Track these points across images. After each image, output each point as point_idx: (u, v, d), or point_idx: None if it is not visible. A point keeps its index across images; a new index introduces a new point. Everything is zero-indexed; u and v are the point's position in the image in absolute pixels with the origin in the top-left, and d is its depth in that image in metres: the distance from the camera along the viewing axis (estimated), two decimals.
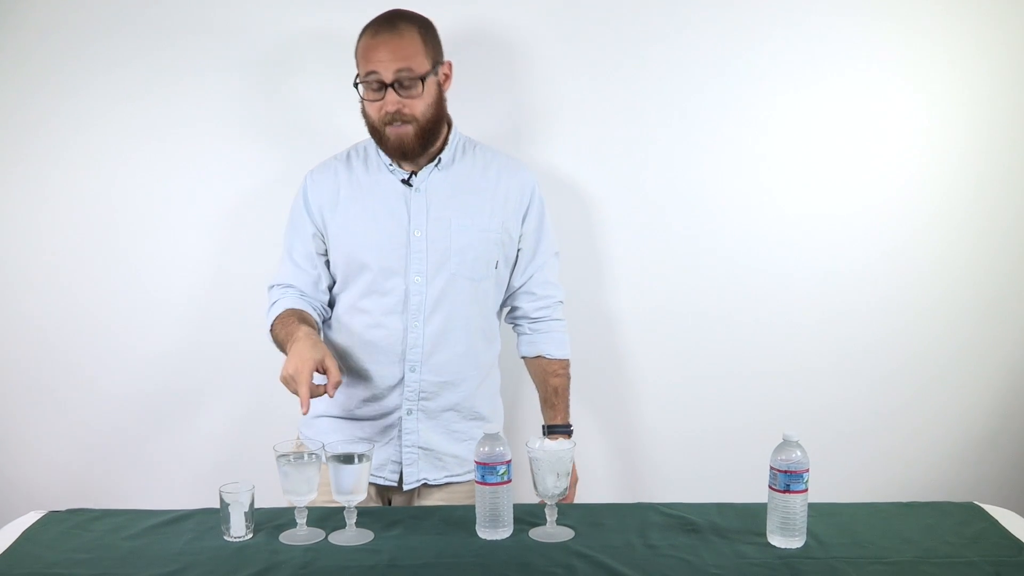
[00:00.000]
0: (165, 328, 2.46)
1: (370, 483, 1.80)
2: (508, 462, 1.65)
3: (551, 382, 2.11)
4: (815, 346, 2.52)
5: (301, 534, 1.68)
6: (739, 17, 2.38)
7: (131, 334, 2.47)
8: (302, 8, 2.33)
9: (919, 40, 2.39)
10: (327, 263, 2.02)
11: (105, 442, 2.52)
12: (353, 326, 2.00)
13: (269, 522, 1.73)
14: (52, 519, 1.78)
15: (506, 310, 2.13)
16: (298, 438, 2.01)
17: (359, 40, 1.91)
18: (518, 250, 2.05)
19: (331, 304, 2.05)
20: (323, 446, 1.69)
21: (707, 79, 2.41)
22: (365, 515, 1.73)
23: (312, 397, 1.72)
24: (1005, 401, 2.58)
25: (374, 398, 1.99)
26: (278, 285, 2.03)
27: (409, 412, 1.98)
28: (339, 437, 1.90)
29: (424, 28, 1.91)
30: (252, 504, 1.68)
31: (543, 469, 1.66)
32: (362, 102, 1.92)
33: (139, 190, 2.42)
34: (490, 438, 1.66)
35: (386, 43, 1.86)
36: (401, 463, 1.99)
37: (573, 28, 2.38)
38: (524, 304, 2.09)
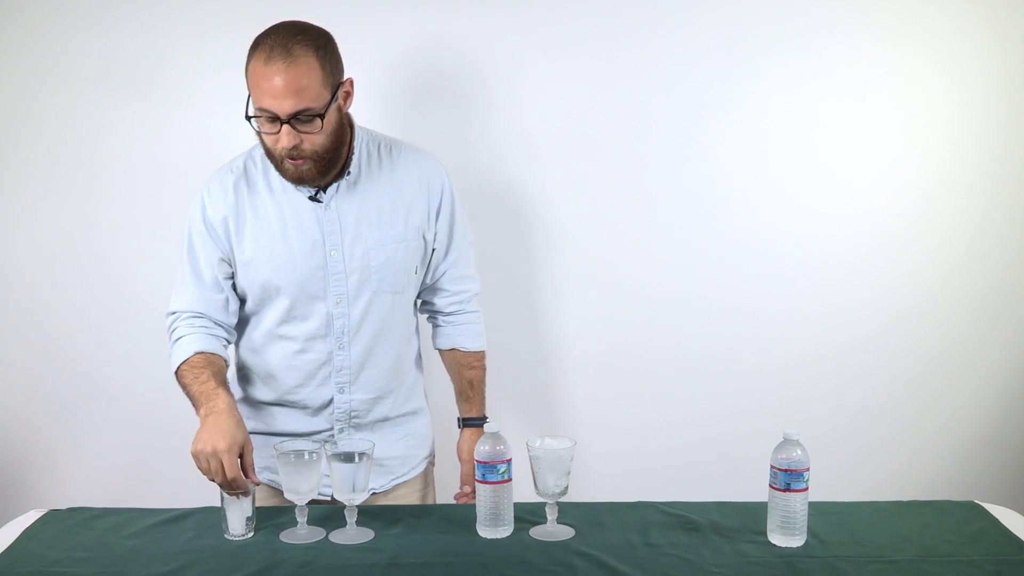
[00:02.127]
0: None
1: (311, 501, 1.71)
2: (508, 461, 1.65)
3: (466, 375, 2.06)
4: (816, 345, 2.52)
5: (301, 533, 1.68)
6: (738, 19, 2.38)
7: (132, 334, 2.47)
8: (303, 7, 2.33)
9: (914, 40, 2.40)
10: (233, 286, 1.89)
11: (108, 441, 2.52)
12: (273, 352, 1.90)
13: (269, 521, 1.73)
14: (53, 517, 1.78)
15: (419, 302, 2.06)
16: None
17: (249, 59, 1.71)
18: (432, 249, 1.96)
19: (242, 323, 1.94)
20: (323, 445, 1.69)
21: (706, 78, 2.41)
22: (366, 514, 1.73)
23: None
24: (1006, 400, 2.58)
25: (304, 418, 1.93)
26: (183, 313, 1.86)
27: (341, 431, 1.93)
28: (270, 452, 1.84)
29: (322, 50, 1.71)
30: (253, 503, 1.68)
31: (543, 468, 1.66)
32: (250, 123, 1.77)
33: (140, 190, 2.42)
34: (491, 437, 1.66)
35: (280, 74, 1.66)
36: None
37: (573, 28, 2.38)
38: (438, 300, 2.03)
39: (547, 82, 2.41)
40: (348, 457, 1.66)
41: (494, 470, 1.64)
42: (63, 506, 1.83)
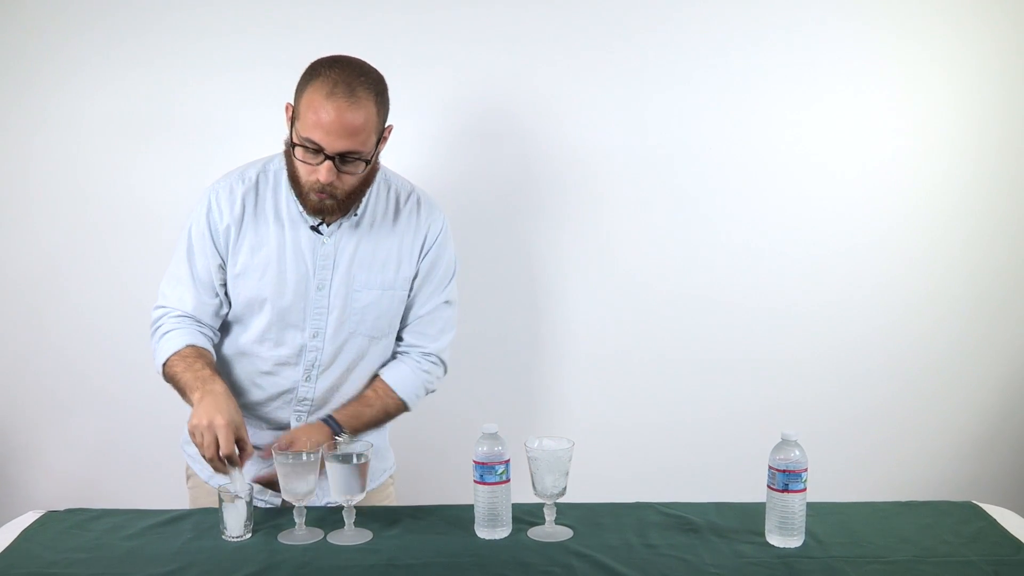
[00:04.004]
0: None
1: (257, 508, 1.71)
2: (507, 462, 1.65)
3: (366, 394, 1.92)
4: (814, 346, 2.52)
5: (300, 534, 1.68)
6: (736, 20, 2.39)
7: (130, 335, 2.46)
8: (303, 9, 2.34)
9: (912, 40, 2.41)
10: (226, 292, 1.87)
11: (105, 442, 2.52)
12: (244, 366, 1.89)
13: (267, 522, 1.73)
14: (51, 519, 1.78)
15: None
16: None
17: (308, 83, 1.70)
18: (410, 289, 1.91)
19: (222, 334, 1.92)
20: (323, 445, 1.69)
21: (706, 78, 2.41)
22: (364, 515, 1.73)
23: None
24: (1004, 400, 2.58)
25: (261, 431, 1.91)
26: (173, 310, 1.85)
27: None
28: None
29: (380, 96, 1.73)
30: (251, 504, 1.68)
31: (541, 469, 1.66)
32: (287, 144, 1.76)
33: (142, 191, 2.42)
34: (488, 437, 1.66)
35: (340, 114, 1.65)
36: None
37: (573, 28, 2.38)
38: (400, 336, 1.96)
39: (548, 82, 2.41)
40: (346, 458, 1.66)
41: (492, 471, 1.64)
42: (61, 507, 1.83)
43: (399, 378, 1.93)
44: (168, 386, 2.48)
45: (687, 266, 2.49)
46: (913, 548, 1.63)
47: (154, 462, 2.51)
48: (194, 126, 2.40)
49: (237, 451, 1.67)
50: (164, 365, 1.82)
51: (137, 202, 2.42)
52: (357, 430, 1.87)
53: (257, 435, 1.90)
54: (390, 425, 2.03)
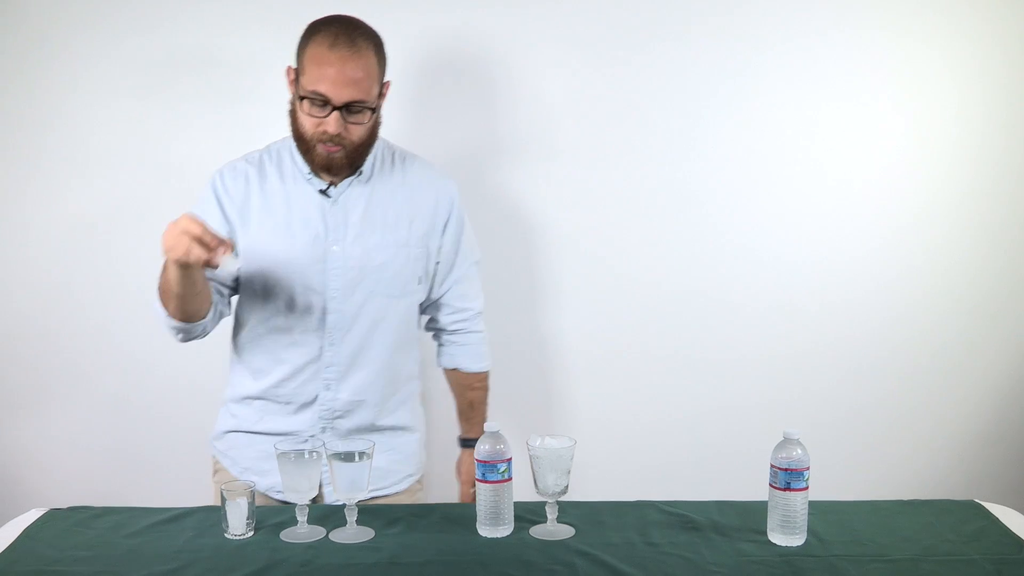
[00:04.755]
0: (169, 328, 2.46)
1: (286, 503, 1.71)
2: (508, 460, 1.65)
3: (467, 395, 2.09)
4: (816, 345, 2.52)
5: (302, 532, 1.68)
6: (738, 22, 2.39)
7: (132, 332, 2.47)
8: (302, 8, 2.34)
9: (915, 41, 2.41)
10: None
11: (108, 440, 2.52)
12: (267, 345, 1.91)
13: (269, 520, 1.73)
14: (53, 517, 1.78)
15: (425, 318, 2.08)
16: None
17: (308, 40, 1.77)
18: (436, 263, 1.98)
19: (235, 318, 1.95)
20: (324, 444, 1.69)
21: (706, 79, 2.41)
22: (366, 513, 1.73)
23: (210, 264, 1.58)
24: (1006, 399, 2.58)
25: (288, 415, 1.93)
26: None
27: (323, 430, 1.93)
28: (253, 453, 1.89)
29: (379, 48, 1.80)
30: (253, 502, 1.68)
31: (543, 467, 1.66)
32: (293, 105, 1.82)
33: (141, 189, 2.42)
34: (491, 436, 1.66)
35: (344, 63, 1.73)
36: (321, 482, 1.81)
37: (573, 30, 2.38)
38: (441, 316, 2.05)
39: (548, 83, 2.41)
40: (348, 456, 1.66)
41: (494, 469, 1.64)
42: (63, 505, 1.83)
43: (475, 357, 2.06)
44: (171, 385, 2.49)
45: (689, 265, 2.49)
46: (915, 547, 1.63)
47: (156, 460, 2.52)
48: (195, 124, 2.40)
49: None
50: (159, 294, 1.77)
51: (135, 195, 2.42)
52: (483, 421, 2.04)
53: (286, 421, 1.91)
54: (424, 430, 2.08)
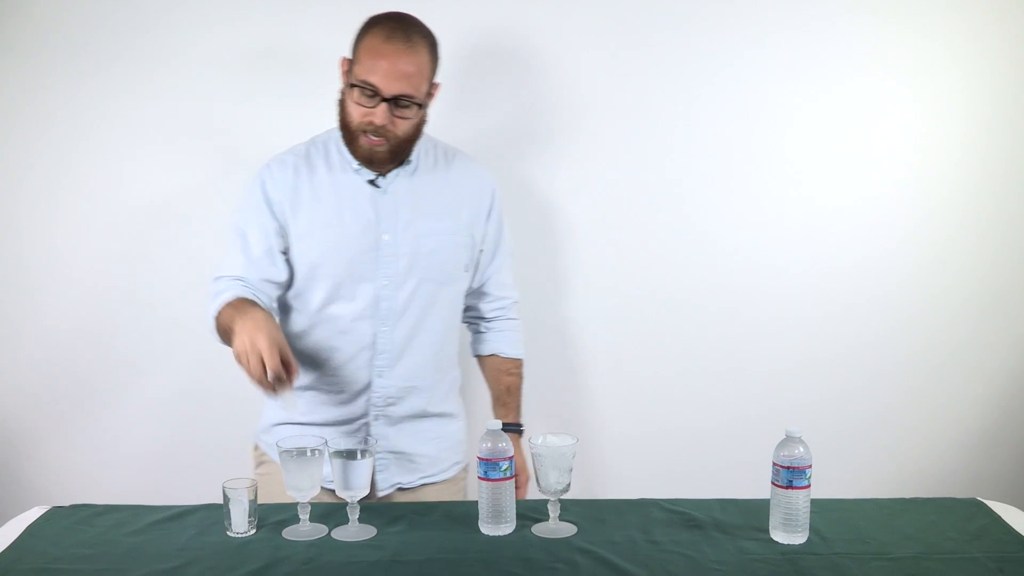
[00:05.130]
0: (169, 328, 2.46)
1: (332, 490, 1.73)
2: (511, 458, 1.66)
3: (504, 380, 2.10)
4: (818, 342, 2.52)
5: (304, 530, 1.68)
6: (742, 18, 2.38)
7: (135, 331, 2.47)
8: (302, 9, 2.34)
9: (919, 39, 2.40)
10: (286, 261, 1.91)
11: (110, 438, 2.52)
12: (318, 332, 1.93)
13: (272, 518, 1.73)
14: (56, 514, 1.78)
15: (464, 308, 2.10)
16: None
17: (366, 32, 1.82)
18: (480, 251, 2.02)
19: (284, 308, 1.97)
20: (326, 442, 1.69)
21: (710, 79, 2.41)
22: (368, 511, 1.73)
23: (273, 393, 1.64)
24: (1008, 397, 2.58)
25: (339, 404, 1.95)
26: (225, 277, 1.88)
27: (376, 418, 1.95)
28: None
29: (433, 47, 1.85)
30: (255, 500, 1.69)
31: (546, 465, 1.66)
32: (343, 94, 1.86)
33: (148, 191, 2.42)
34: (492, 434, 1.66)
35: (397, 57, 1.77)
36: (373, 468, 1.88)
37: (576, 29, 2.38)
38: (480, 304, 2.09)
39: (548, 84, 2.40)
40: (350, 454, 1.66)
41: (496, 467, 1.64)
42: (66, 503, 1.84)
43: (513, 343, 2.11)
44: (171, 384, 2.48)
45: (692, 265, 2.48)
46: (917, 545, 1.63)
47: (159, 458, 2.51)
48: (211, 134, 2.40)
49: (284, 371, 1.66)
50: (216, 320, 1.83)
51: (134, 202, 2.42)
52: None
53: (340, 410, 1.94)
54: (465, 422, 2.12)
